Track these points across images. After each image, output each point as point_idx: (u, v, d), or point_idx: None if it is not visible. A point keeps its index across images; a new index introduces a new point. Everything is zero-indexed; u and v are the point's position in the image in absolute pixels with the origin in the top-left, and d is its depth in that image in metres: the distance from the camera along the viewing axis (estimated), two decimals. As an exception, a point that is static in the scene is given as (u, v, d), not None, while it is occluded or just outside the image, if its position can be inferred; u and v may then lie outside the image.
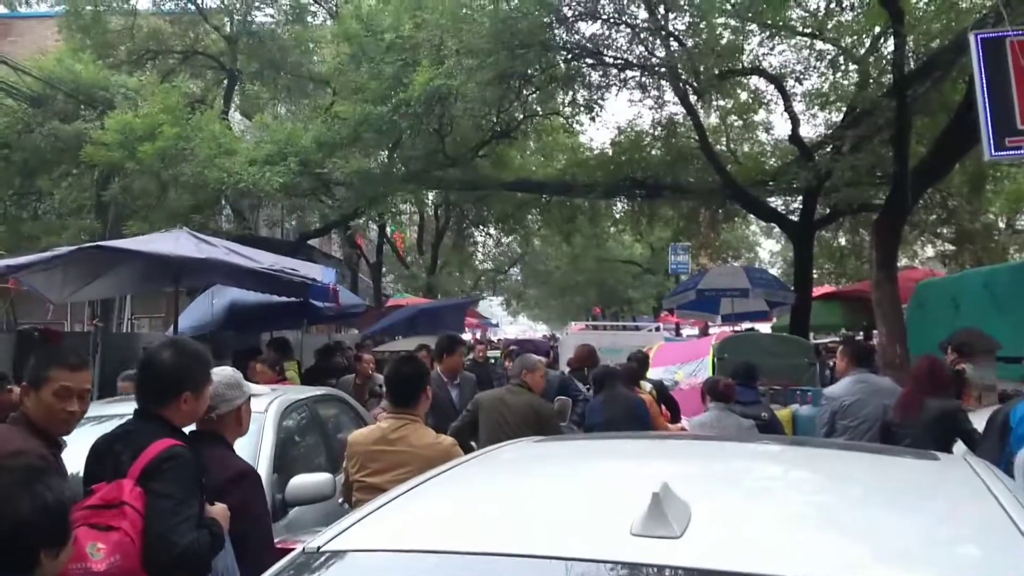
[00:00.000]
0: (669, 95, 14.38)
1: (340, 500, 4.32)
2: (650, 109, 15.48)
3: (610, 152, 17.16)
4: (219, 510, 2.67)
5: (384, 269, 28.04)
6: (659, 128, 15.85)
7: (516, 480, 2.10)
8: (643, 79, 14.11)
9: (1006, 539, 1.53)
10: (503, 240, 30.84)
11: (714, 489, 1.88)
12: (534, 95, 15.03)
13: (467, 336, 27.45)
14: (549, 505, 1.76)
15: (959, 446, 5.37)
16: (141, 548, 2.39)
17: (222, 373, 3.03)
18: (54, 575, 2.01)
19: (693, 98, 13.66)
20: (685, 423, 7.44)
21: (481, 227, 25.54)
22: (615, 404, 6.19)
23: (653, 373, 9.12)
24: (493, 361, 15.88)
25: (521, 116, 15.79)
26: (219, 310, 11.52)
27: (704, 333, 18.38)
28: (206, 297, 11.67)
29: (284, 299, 10.28)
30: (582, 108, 15.27)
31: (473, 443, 5.40)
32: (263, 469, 4.35)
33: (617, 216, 21.93)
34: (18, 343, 8.82)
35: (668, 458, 2.35)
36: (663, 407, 7.91)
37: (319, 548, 1.57)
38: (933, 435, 5.42)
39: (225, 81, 17.88)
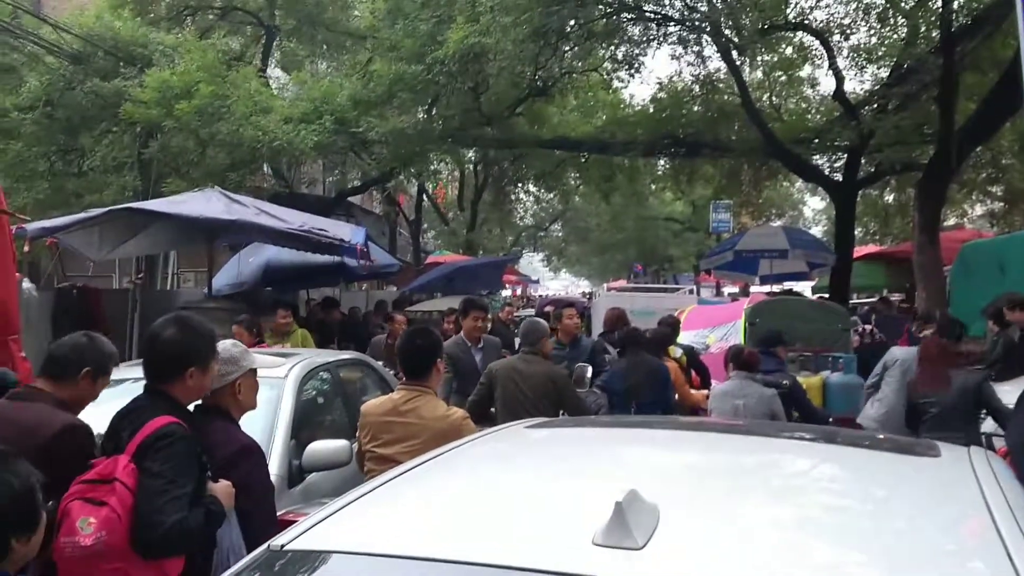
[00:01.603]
0: (710, 50, 14.09)
1: (359, 466, 4.37)
2: (691, 65, 15.16)
3: (650, 109, 16.90)
4: (222, 487, 2.68)
5: (424, 225, 28.11)
6: (700, 84, 15.55)
7: (492, 478, 2.07)
8: (684, 34, 13.79)
9: (982, 557, 1.47)
10: (543, 197, 30.67)
11: (690, 492, 1.84)
12: (572, 51, 14.77)
13: (506, 293, 27.57)
14: (517, 509, 1.73)
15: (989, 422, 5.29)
16: (128, 525, 2.40)
17: (220, 347, 3.02)
18: (25, 561, 2.03)
19: (735, 53, 13.34)
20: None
21: (520, 184, 25.40)
22: (637, 370, 6.12)
23: (684, 337, 9.02)
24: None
25: (559, 73, 15.55)
26: (256, 267, 11.67)
27: (745, 293, 18.19)
28: (244, 255, 11.82)
29: (320, 257, 10.38)
30: (621, 64, 15.01)
31: (494, 409, 5.39)
32: (280, 436, 4.41)
33: (657, 174, 21.71)
34: (56, 299, 9.00)
35: (650, 454, 2.30)
36: (693, 372, 7.86)
37: (283, 547, 1.57)
38: (959, 408, 5.35)
39: (263, 37, 17.86)
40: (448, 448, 2.26)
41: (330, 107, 13.45)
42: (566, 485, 1.91)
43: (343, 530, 1.65)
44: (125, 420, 2.68)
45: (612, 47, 14.77)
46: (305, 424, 4.83)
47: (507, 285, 27.61)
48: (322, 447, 4.40)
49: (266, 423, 4.40)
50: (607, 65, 16.19)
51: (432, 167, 16.94)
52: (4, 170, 13.65)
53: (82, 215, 8.29)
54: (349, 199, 20.91)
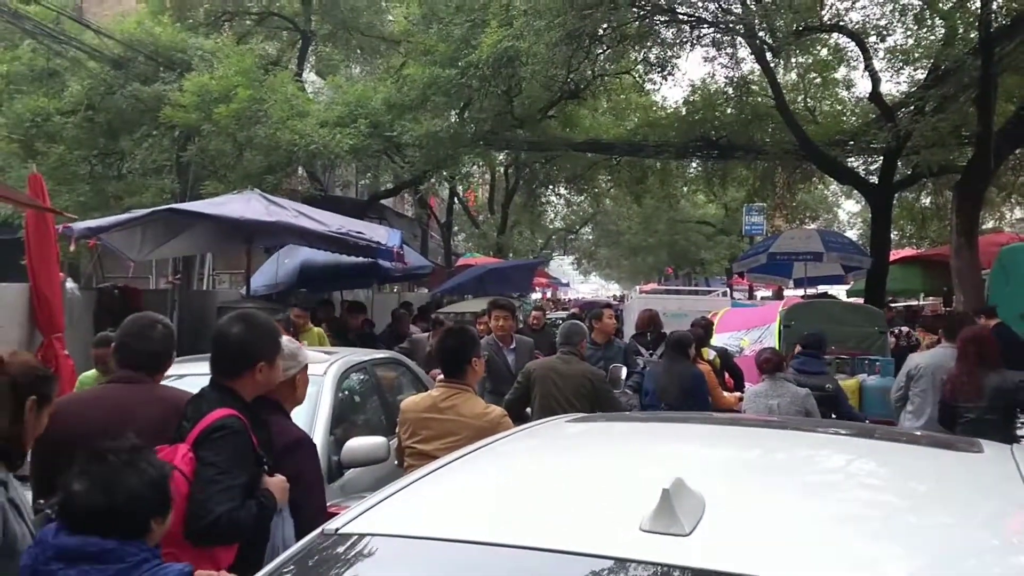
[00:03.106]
0: (744, 52, 14.02)
1: (396, 462, 4.43)
2: (724, 67, 15.07)
3: (683, 111, 16.85)
4: (276, 482, 2.74)
5: (455, 228, 28.20)
6: (734, 87, 15.47)
7: (539, 465, 2.12)
8: (717, 36, 13.74)
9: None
10: (574, 200, 30.64)
11: (734, 482, 1.86)
12: (605, 54, 14.78)
13: (536, 296, 27.60)
14: (565, 494, 1.77)
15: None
16: (182, 512, 2.47)
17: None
18: (160, 538, 2.22)
19: (769, 55, 13.26)
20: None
21: (551, 187, 25.41)
22: (671, 375, 6.15)
23: (718, 339, 9.03)
24: (561, 322, 15.93)
25: (591, 75, 15.56)
26: (291, 269, 11.82)
27: (779, 296, 18.06)
28: (280, 256, 11.98)
29: (354, 259, 10.50)
30: (654, 66, 14.97)
31: (529, 410, 5.44)
32: (319, 431, 4.49)
33: (689, 176, 21.60)
34: (98, 299, 9.19)
35: (692, 447, 2.33)
36: (727, 374, 7.86)
37: (336, 530, 1.63)
38: (995, 411, 5.30)
39: (299, 43, 18.06)
40: (493, 440, 2.31)
41: (365, 111, 13.58)
42: (610, 474, 1.95)
43: (394, 515, 1.70)
44: (188, 410, 2.76)
45: (645, 50, 14.73)
46: (343, 420, 4.92)
47: (537, 288, 27.63)
48: (361, 443, 4.48)
49: (306, 419, 4.48)
50: (639, 68, 16.15)
51: (464, 170, 17.01)
52: (47, 173, 13.93)
53: (126, 216, 8.47)
54: (381, 202, 21.07)
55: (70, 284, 8.50)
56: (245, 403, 2.79)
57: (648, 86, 17.82)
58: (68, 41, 14.40)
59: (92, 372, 4.52)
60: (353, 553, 1.58)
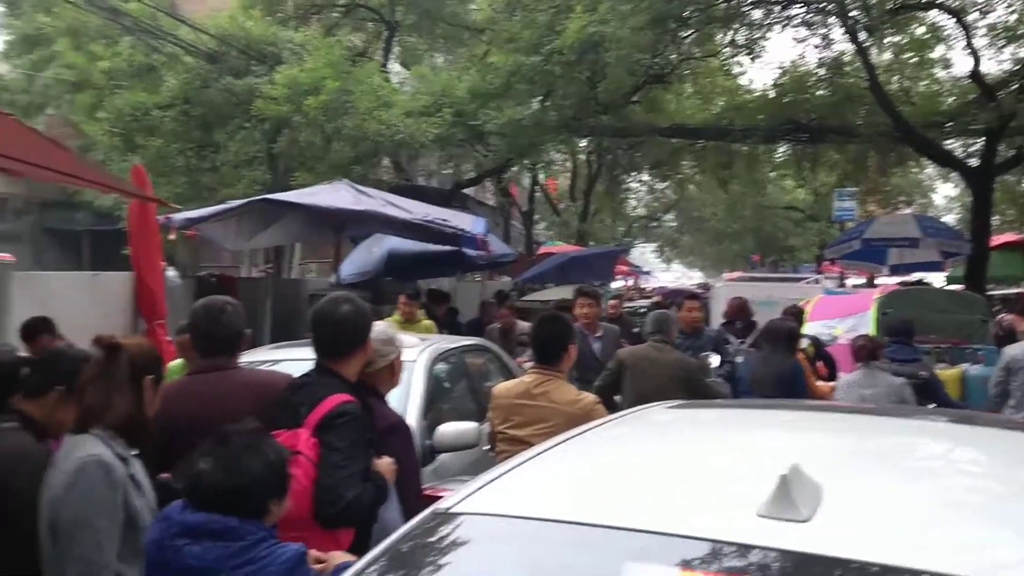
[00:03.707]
0: (837, 32, 13.62)
1: (486, 447, 4.48)
2: (816, 48, 14.68)
3: (771, 94, 16.47)
4: (385, 464, 2.80)
5: (536, 216, 28.21)
6: (825, 68, 15.05)
7: (645, 449, 2.11)
8: (808, 16, 13.39)
9: None
10: (657, 186, 30.28)
11: (851, 470, 1.83)
12: (690, 37, 14.56)
13: (618, 284, 27.41)
14: (675, 478, 1.76)
15: None
16: (311, 496, 2.54)
17: (378, 329, 3.13)
18: (277, 520, 2.29)
19: (863, 35, 12.85)
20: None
21: (634, 174, 25.16)
22: (768, 365, 6.03)
23: (811, 327, 8.80)
24: (644, 311, 15.79)
25: (677, 59, 15.34)
26: (378, 258, 12.00)
27: (871, 284, 17.53)
28: (367, 245, 12.17)
29: (439, 248, 10.61)
30: (742, 49, 14.69)
31: (617, 398, 5.42)
32: (412, 417, 4.56)
33: (778, 161, 21.14)
34: (197, 287, 9.52)
35: (806, 433, 2.28)
36: (820, 363, 7.67)
37: (448, 509, 1.66)
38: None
39: (385, 33, 18.31)
40: (595, 424, 2.31)
41: (449, 100, 13.70)
42: (718, 460, 1.93)
43: (505, 495, 1.72)
44: (299, 395, 2.80)
45: (732, 31, 14.48)
46: (434, 406, 4.99)
47: (619, 276, 27.43)
48: (452, 428, 4.53)
49: (399, 404, 4.54)
50: (726, 50, 15.87)
51: (547, 157, 17.01)
52: (146, 165, 14.45)
53: (223, 206, 8.74)
54: (464, 191, 21.24)
55: (171, 273, 8.81)
56: (353, 387, 2.84)
57: (735, 69, 17.49)
58: (165, 37, 14.92)
59: (179, 361, 4.70)
60: (464, 532, 1.61)
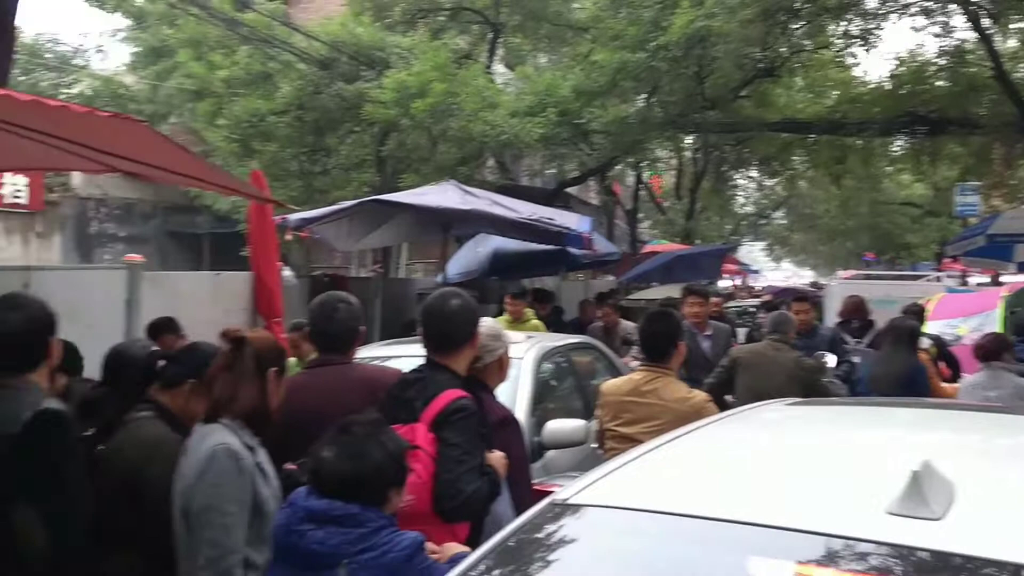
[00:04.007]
0: (957, 19, 12.99)
1: (594, 445, 4.47)
2: (935, 36, 14.05)
3: (887, 86, 15.86)
4: (497, 458, 2.82)
5: (640, 215, 27.95)
6: (945, 57, 14.38)
7: (767, 445, 2.07)
8: (927, 3, 12.84)
9: None
10: (766, 183, 29.55)
11: (982, 467, 1.74)
12: (801, 28, 14.16)
13: (725, 283, 26.88)
14: (799, 474, 1.72)
15: None
16: (431, 491, 2.59)
17: (486, 324, 3.17)
18: (395, 509, 2.36)
19: (986, 21, 12.22)
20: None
21: (742, 170, 24.61)
22: (889, 364, 5.80)
23: (932, 327, 8.42)
24: (753, 310, 15.44)
25: (787, 52, 14.95)
26: (483, 258, 12.11)
27: (996, 282, 16.63)
28: (472, 245, 12.31)
29: (543, 247, 10.63)
30: (856, 39, 14.20)
31: (729, 398, 5.33)
32: (521, 413, 4.58)
33: (894, 155, 20.34)
34: (311, 287, 9.83)
35: (934, 430, 2.19)
36: (943, 364, 7.33)
37: (565, 500, 1.66)
38: None
39: (489, 35, 18.49)
40: (710, 420, 2.27)
41: (553, 99, 13.72)
42: (843, 456, 1.88)
43: (623, 488, 1.72)
44: (412, 390, 2.85)
45: (845, 22, 14.01)
46: (541, 403, 5.00)
47: (726, 275, 26.90)
48: (561, 426, 4.53)
49: (506, 401, 4.58)
50: (839, 41, 15.39)
51: (652, 155, 16.84)
52: (262, 170, 15.07)
53: (335, 207, 8.99)
54: (567, 190, 21.23)
55: (287, 272, 9.11)
56: (467, 383, 2.88)
57: (848, 60, 16.90)
58: (279, 45, 15.47)
59: (291, 360, 4.87)
60: (583, 523, 1.61)
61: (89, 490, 2.55)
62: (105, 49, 24.25)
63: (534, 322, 8.57)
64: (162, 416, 2.87)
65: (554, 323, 10.10)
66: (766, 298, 15.85)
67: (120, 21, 23.29)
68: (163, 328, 5.28)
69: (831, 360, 5.76)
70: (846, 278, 15.67)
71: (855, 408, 2.80)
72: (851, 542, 1.36)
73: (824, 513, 1.46)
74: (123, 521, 2.62)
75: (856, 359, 6.69)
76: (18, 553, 2.37)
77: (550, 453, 4.59)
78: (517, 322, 8.23)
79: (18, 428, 2.39)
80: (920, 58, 15.28)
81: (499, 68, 19.93)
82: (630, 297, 14.89)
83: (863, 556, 1.33)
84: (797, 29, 13.92)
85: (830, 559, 1.35)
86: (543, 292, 11.52)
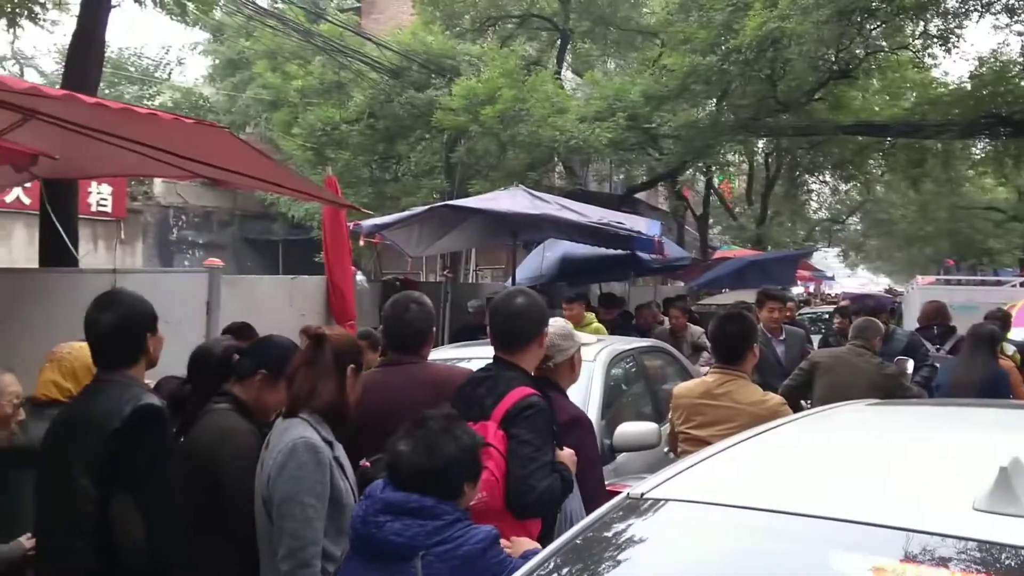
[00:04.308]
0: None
1: (666, 449, 4.43)
2: (1019, 35, 13.58)
3: (968, 86, 15.38)
4: (567, 455, 2.82)
5: (711, 220, 27.62)
6: (1031, 56, 13.90)
7: (848, 443, 2.03)
8: (1011, 1, 12.42)
9: None
10: (840, 188, 28.91)
11: None
12: (878, 29, 13.85)
13: (798, 290, 26.33)
14: (881, 471, 1.69)
15: None
16: (503, 488, 2.60)
17: (556, 324, 3.18)
18: (469, 504, 2.39)
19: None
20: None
21: (816, 174, 24.12)
22: (970, 370, 5.63)
23: (1017, 333, 8.13)
24: (827, 317, 15.09)
25: (863, 53, 14.63)
26: (551, 262, 12.13)
27: (1085, 289, 15.94)
28: (540, 250, 12.33)
29: (612, 251, 10.60)
30: (935, 39, 13.82)
31: (805, 403, 5.24)
32: (592, 415, 4.56)
33: (976, 158, 19.71)
34: (383, 291, 9.99)
35: (1015, 430, 2.13)
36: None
37: (643, 494, 1.66)
38: None
39: (558, 41, 18.54)
40: (789, 419, 2.25)
41: (623, 104, 13.69)
42: (925, 454, 1.84)
43: (702, 483, 1.71)
44: (482, 388, 2.87)
45: (924, 22, 13.65)
46: (611, 405, 4.99)
47: (799, 282, 26.36)
48: (632, 428, 4.51)
49: (578, 402, 4.59)
50: (917, 42, 15.03)
51: (721, 160, 16.66)
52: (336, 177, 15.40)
53: (407, 213, 9.13)
54: (635, 195, 21.13)
55: (359, 277, 9.28)
56: (536, 381, 2.88)
57: (927, 61, 16.45)
58: (352, 55, 15.79)
59: None
60: (662, 517, 1.61)
61: (182, 483, 2.65)
62: (185, 62, 25.11)
63: (595, 325, 8.53)
64: (237, 407, 2.98)
65: (621, 327, 10.04)
66: (843, 303, 15.47)
67: (199, 35, 24.11)
68: (238, 333, 5.43)
69: (910, 366, 5.61)
70: (926, 283, 15.23)
71: (937, 408, 2.73)
72: (937, 538, 1.33)
73: (909, 509, 1.44)
74: (206, 510, 2.71)
75: (937, 365, 6.51)
76: (117, 544, 2.48)
77: (621, 456, 4.57)
78: (576, 326, 8.20)
79: (119, 423, 2.49)
80: (1003, 58, 14.79)
81: (568, 74, 19.95)
82: (700, 302, 14.73)
83: (949, 552, 1.31)
84: (873, 29, 13.62)
85: (915, 555, 1.33)
86: (610, 297, 11.47)
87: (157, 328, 2.80)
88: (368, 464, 2.80)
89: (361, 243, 8.60)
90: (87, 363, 2.94)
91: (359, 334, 6.71)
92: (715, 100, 15.23)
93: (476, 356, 4.50)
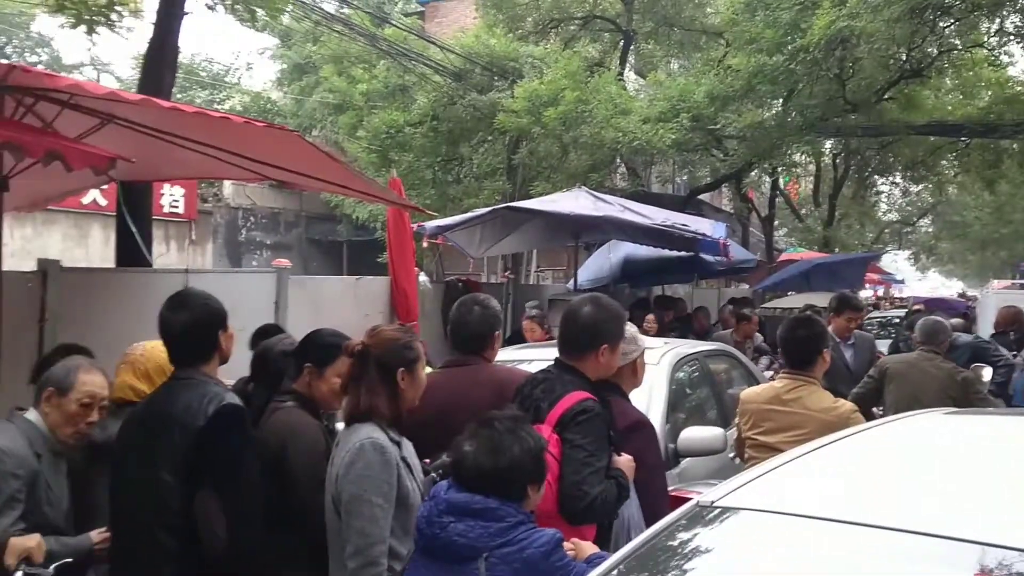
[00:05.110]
0: None
1: (731, 455, 4.37)
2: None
3: (1047, 85, 14.89)
4: (625, 461, 2.80)
5: (776, 223, 27.15)
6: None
7: (923, 453, 1.97)
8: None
9: None
10: (911, 189, 28.16)
11: None
12: (952, 26, 13.45)
13: (867, 293, 25.73)
14: (956, 484, 1.64)
15: None
16: (556, 492, 2.58)
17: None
18: (534, 507, 2.38)
19: None
20: None
21: (886, 175, 23.53)
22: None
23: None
24: (898, 321, 14.71)
25: (936, 52, 14.23)
26: (614, 264, 12.08)
27: None
28: (603, 252, 12.29)
29: (675, 253, 10.50)
30: (1011, 37, 13.38)
31: (876, 411, 5.12)
32: (656, 420, 4.52)
33: (1056, 158, 19.02)
34: (445, 291, 10.06)
35: None
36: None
37: (712, 502, 1.64)
38: None
39: (621, 42, 18.44)
40: (862, 428, 2.20)
41: (687, 105, 13.56)
42: (1005, 466, 1.77)
43: (773, 492, 1.68)
44: (538, 391, 2.87)
45: (1000, 19, 13.23)
46: (676, 409, 4.93)
47: (867, 285, 25.76)
48: (698, 433, 4.46)
49: (642, 406, 4.54)
50: (993, 39, 14.57)
51: (788, 160, 16.35)
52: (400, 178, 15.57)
53: (469, 214, 9.19)
54: (699, 197, 20.90)
55: (423, 277, 9.36)
56: (593, 384, 2.86)
57: (1003, 59, 15.94)
58: (416, 58, 15.94)
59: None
60: (732, 526, 1.59)
61: (262, 481, 2.73)
62: (254, 67, 25.74)
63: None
64: (301, 404, 3.06)
65: (678, 330, 9.94)
66: (917, 307, 15.05)
67: (267, 40, 24.64)
68: (266, 334, 5.51)
69: (987, 373, 5.44)
70: (1001, 288, 14.75)
71: (1017, 418, 2.64)
72: (1015, 552, 1.29)
73: (988, 522, 1.39)
74: (277, 505, 2.77)
75: (1015, 373, 6.31)
76: (201, 539, 2.55)
77: (686, 461, 4.52)
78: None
79: (203, 421, 2.57)
80: (1087, 53, 14.27)
81: (631, 75, 19.83)
82: (764, 305, 14.49)
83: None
84: (947, 27, 13.22)
85: (993, 570, 1.28)
86: (665, 298, 11.34)
87: (228, 325, 2.87)
88: (426, 463, 2.83)
89: (424, 244, 8.68)
90: (159, 363, 3.04)
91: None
92: (781, 100, 14.96)
93: (538, 358, 4.50)
